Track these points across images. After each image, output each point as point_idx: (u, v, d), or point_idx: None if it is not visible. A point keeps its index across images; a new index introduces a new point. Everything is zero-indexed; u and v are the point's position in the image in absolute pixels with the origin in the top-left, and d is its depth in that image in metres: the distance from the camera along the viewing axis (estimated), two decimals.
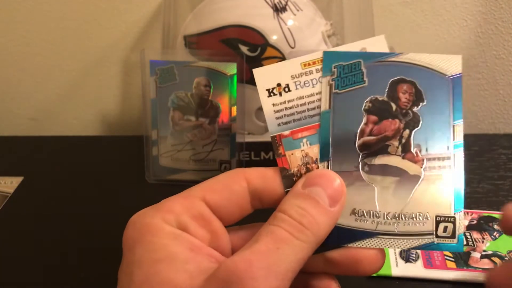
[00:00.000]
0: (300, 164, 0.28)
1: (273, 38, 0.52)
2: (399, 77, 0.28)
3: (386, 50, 0.29)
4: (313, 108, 0.28)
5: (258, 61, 0.53)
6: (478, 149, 0.62)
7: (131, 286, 0.24)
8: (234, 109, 0.54)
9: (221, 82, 0.53)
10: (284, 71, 0.28)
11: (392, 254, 0.44)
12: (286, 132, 0.28)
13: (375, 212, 0.27)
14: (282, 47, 0.52)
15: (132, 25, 0.68)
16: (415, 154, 0.27)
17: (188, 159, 0.55)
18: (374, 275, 0.42)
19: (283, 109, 0.28)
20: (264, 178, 0.28)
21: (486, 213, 0.49)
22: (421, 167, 0.27)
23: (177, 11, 0.59)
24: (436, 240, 0.27)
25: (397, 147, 0.28)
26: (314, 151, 0.28)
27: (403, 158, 0.28)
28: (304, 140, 0.28)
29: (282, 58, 0.53)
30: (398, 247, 0.27)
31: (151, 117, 0.55)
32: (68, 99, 0.73)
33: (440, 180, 0.27)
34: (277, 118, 0.28)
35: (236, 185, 0.27)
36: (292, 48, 0.53)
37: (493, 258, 0.43)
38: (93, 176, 0.59)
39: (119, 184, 0.58)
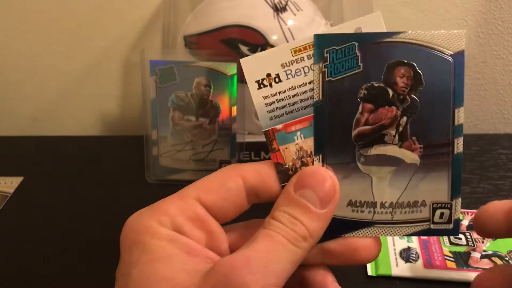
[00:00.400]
0: (295, 158, 0.27)
1: (273, 38, 0.52)
2: (396, 59, 0.26)
3: (383, 29, 0.27)
4: (306, 99, 0.27)
5: None
6: (478, 149, 0.62)
7: (129, 285, 0.24)
8: (234, 109, 0.54)
9: (221, 82, 0.53)
10: (273, 59, 0.27)
11: (392, 254, 0.44)
12: (279, 126, 0.27)
13: (371, 202, 0.27)
14: None
15: (132, 25, 0.68)
16: (413, 142, 0.27)
17: (188, 159, 0.55)
18: (374, 275, 0.42)
19: (274, 102, 0.27)
20: (260, 174, 0.27)
21: None
22: (418, 155, 0.27)
23: (177, 11, 0.59)
24: (432, 226, 0.27)
25: (394, 136, 0.27)
26: (308, 144, 0.27)
27: (400, 147, 0.27)
28: (298, 133, 0.27)
29: None
30: (394, 235, 0.27)
31: (151, 117, 0.55)
32: (68, 99, 0.73)
33: (438, 167, 0.26)
34: (269, 111, 0.27)
35: (232, 183, 0.27)
36: None
37: (493, 258, 0.43)
38: (93, 176, 0.59)
39: (119, 184, 0.58)
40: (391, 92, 0.26)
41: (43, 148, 0.66)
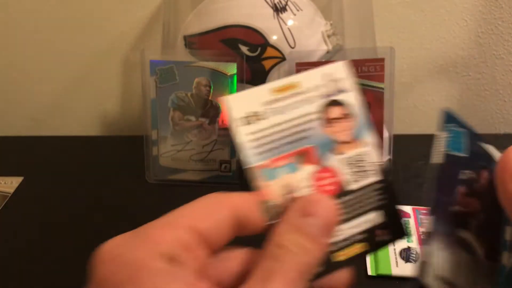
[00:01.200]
0: (280, 194, 0.26)
1: (273, 38, 0.52)
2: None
3: (348, 77, 0.28)
4: (289, 135, 0.27)
5: (258, 61, 0.53)
6: None
7: None
8: None
9: (221, 82, 0.53)
10: (255, 98, 0.27)
11: (392, 254, 0.44)
12: (264, 162, 0.26)
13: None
14: (282, 47, 0.52)
15: (132, 25, 0.68)
16: (483, 240, 0.28)
17: (188, 159, 0.55)
18: (374, 274, 0.42)
19: (258, 138, 0.27)
20: (249, 206, 0.26)
21: None
22: (484, 254, 0.28)
23: (177, 11, 0.59)
24: None
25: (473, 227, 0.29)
26: (293, 179, 0.26)
27: (477, 241, 0.28)
28: (283, 169, 0.27)
29: (282, 58, 0.53)
30: None
31: (151, 117, 0.55)
32: (68, 99, 0.73)
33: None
34: (253, 148, 0.27)
35: (223, 212, 0.26)
36: (292, 48, 0.53)
37: None
38: (93, 176, 0.59)
39: (119, 184, 0.58)
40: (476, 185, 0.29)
41: (43, 148, 0.67)
